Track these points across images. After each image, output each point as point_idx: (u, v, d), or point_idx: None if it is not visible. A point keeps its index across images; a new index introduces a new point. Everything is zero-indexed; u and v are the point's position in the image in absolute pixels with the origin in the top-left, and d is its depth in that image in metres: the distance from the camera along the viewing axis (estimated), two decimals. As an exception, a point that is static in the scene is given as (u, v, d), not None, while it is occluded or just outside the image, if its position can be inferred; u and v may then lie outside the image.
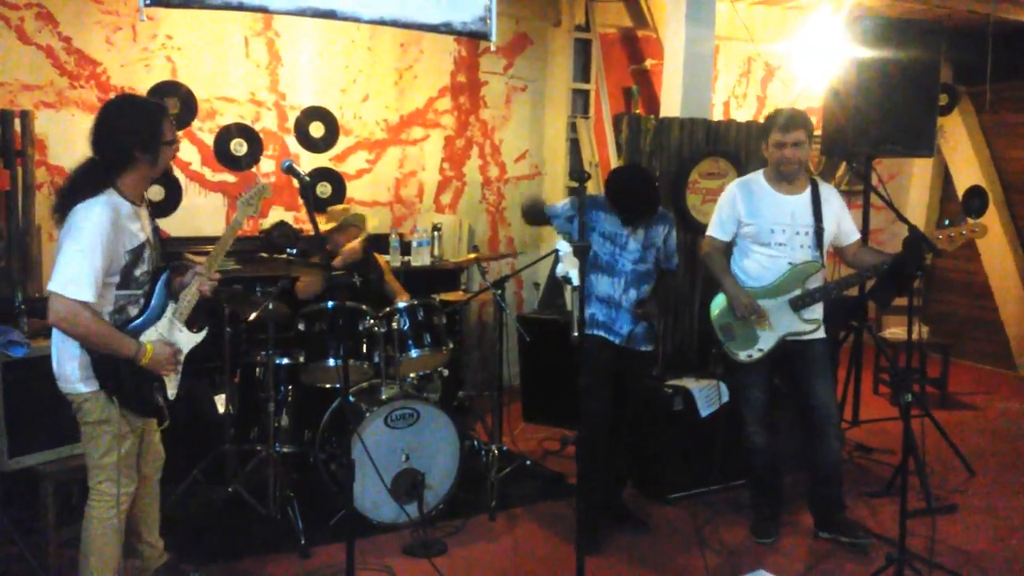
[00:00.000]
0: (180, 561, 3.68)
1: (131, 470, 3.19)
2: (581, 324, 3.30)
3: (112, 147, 3.03)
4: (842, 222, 4.16)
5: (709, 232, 4.29)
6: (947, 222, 3.80)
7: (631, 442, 4.43)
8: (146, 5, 3.89)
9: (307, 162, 6.09)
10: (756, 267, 4.15)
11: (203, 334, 3.29)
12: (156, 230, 3.26)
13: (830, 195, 4.15)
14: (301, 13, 4.22)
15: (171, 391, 3.20)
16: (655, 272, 4.28)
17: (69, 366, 3.03)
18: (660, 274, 4.32)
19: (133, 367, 3.02)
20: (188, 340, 3.24)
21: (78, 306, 2.87)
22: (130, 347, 3.00)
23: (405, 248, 6.12)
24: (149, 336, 3.10)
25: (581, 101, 7.12)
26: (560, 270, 3.27)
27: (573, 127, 7.02)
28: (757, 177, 4.21)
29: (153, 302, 3.14)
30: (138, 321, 3.10)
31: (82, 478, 3.89)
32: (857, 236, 4.23)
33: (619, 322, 4.21)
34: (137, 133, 3.03)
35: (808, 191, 4.11)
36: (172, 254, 5.42)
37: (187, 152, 5.83)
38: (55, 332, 3.05)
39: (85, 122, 5.44)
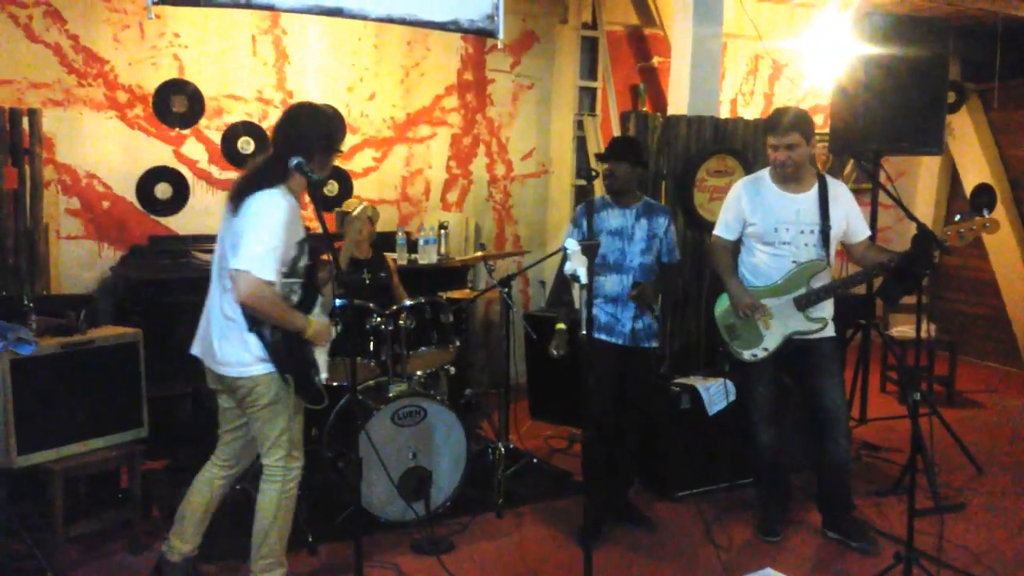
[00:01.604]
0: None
1: (300, 444, 3.46)
2: (589, 323, 3.30)
3: (296, 144, 3.25)
4: (851, 219, 4.12)
5: (715, 231, 4.28)
6: (958, 217, 3.77)
7: (640, 440, 4.43)
8: (154, 3, 3.89)
9: (314, 160, 6.08)
10: (761, 266, 4.14)
11: (339, 327, 3.60)
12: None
13: (839, 193, 4.12)
14: (308, 11, 4.23)
15: (324, 373, 3.43)
16: (657, 267, 4.30)
17: (239, 351, 3.25)
18: (663, 268, 4.33)
19: (302, 349, 3.31)
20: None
21: (264, 285, 3.12)
22: (302, 320, 3.29)
23: (412, 246, 6.12)
24: None
25: (588, 99, 7.11)
26: (568, 268, 3.25)
27: (580, 125, 7.01)
28: (763, 175, 4.19)
29: (310, 291, 3.43)
30: (299, 303, 3.37)
31: (90, 474, 3.93)
32: (866, 234, 4.19)
33: (623, 320, 4.22)
34: (322, 136, 3.31)
35: (815, 189, 4.08)
36: (180, 252, 5.48)
37: (194, 150, 5.84)
38: (215, 323, 3.31)
39: (93, 120, 5.53)
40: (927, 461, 4.58)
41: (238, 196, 3.23)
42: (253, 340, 3.23)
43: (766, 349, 4.12)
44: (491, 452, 4.94)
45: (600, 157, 4.29)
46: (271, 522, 3.40)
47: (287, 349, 3.26)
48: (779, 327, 4.09)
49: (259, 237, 3.12)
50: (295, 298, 3.35)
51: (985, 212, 3.79)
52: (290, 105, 3.41)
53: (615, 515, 4.39)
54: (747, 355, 4.15)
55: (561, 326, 4.41)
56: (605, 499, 4.32)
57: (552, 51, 7.09)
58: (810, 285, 4.06)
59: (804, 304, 4.06)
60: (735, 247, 4.25)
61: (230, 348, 3.27)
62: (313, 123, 3.31)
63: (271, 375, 3.26)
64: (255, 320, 3.22)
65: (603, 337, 4.22)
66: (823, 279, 4.08)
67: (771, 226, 4.08)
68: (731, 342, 4.19)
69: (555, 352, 4.38)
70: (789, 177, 4.06)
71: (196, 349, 3.44)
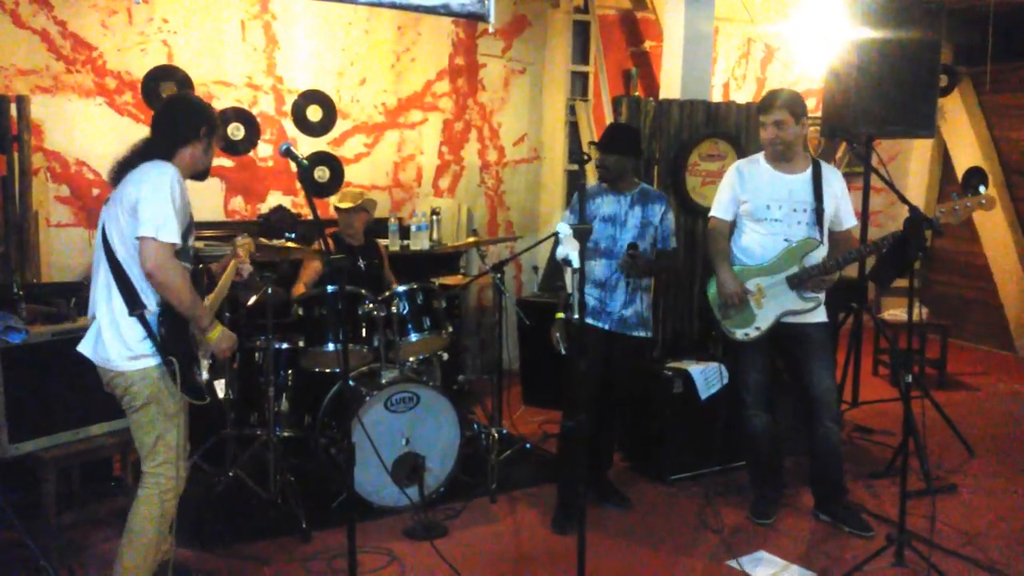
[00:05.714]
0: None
1: (182, 452, 3.18)
2: (582, 307, 3.29)
3: (179, 123, 3.14)
4: (840, 206, 4.14)
5: (712, 212, 4.29)
6: (954, 195, 3.78)
7: (622, 423, 4.44)
8: (141, -12, 3.86)
9: (305, 146, 6.06)
10: (753, 245, 4.14)
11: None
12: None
13: (832, 177, 4.13)
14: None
15: (204, 374, 3.22)
16: (650, 253, 4.28)
17: (117, 345, 3.00)
18: (658, 255, 4.31)
19: (188, 337, 3.06)
20: None
21: (171, 250, 2.91)
22: (206, 317, 3.07)
23: (404, 232, 6.10)
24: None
25: (580, 84, 7.08)
26: (560, 252, 3.25)
27: (572, 110, 6.98)
28: (758, 157, 4.22)
29: (199, 283, 3.19)
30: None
31: (82, 463, 3.92)
32: (851, 224, 4.19)
33: (611, 304, 4.21)
34: (204, 114, 3.20)
35: (809, 171, 4.10)
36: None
37: (184, 137, 5.80)
38: (103, 315, 3.04)
39: (82, 107, 5.50)
40: (919, 443, 4.60)
41: (119, 172, 3.07)
42: (134, 326, 2.99)
43: (758, 328, 4.12)
44: (484, 437, 4.95)
45: (593, 145, 4.27)
46: (138, 533, 3.11)
47: (172, 331, 3.01)
48: (772, 306, 4.10)
49: (155, 199, 2.91)
50: None
51: (982, 188, 3.79)
52: (168, 96, 3.30)
53: (595, 494, 4.40)
54: (739, 334, 4.16)
55: (561, 315, 4.25)
56: (576, 483, 4.26)
57: (544, 35, 7.06)
58: (803, 264, 4.06)
59: (797, 283, 4.06)
60: (731, 229, 4.25)
61: (108, 339, 3.02)
62: (195, 104, 3.26)
63: (146, 372, 3.01)
64: (134, 302, 2.98)
65: (589, 321, 4.20)
66: (817, 258, 4.08)
67: (762, 203, 4.09)
68: (723, 321, 4.19)
69: (562, 346, 4.20)
70: (781, 156, 4.08)
71: (83, 345, 3.13)
